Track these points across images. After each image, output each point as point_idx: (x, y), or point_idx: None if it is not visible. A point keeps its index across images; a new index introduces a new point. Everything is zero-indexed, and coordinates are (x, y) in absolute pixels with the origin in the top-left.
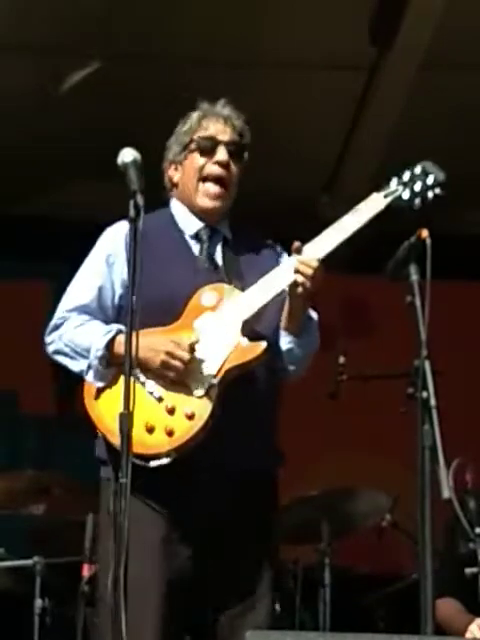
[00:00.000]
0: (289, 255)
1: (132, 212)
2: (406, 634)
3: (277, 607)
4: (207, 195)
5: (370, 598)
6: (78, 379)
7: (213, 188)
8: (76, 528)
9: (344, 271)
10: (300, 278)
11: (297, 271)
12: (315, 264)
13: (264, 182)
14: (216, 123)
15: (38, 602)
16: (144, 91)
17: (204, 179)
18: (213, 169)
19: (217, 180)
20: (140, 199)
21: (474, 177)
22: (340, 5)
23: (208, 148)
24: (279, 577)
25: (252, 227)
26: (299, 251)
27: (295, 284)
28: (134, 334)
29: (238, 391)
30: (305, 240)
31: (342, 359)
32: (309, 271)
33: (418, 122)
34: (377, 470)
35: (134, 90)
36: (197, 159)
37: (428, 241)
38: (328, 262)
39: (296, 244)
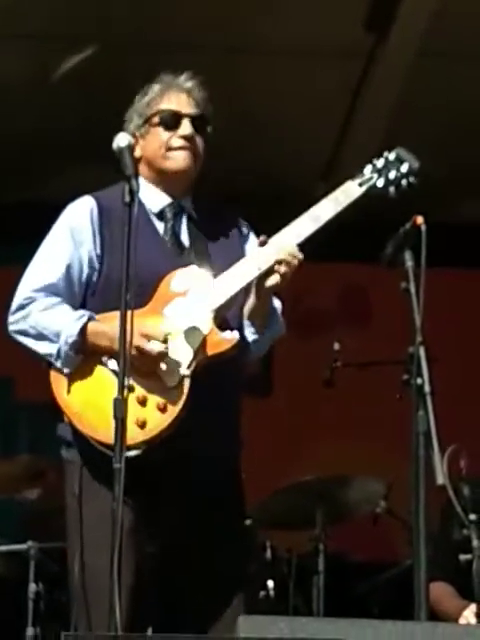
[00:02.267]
0: (257, 236)
1: (127, 197)
2: (400, 620)
3: (271, 593)
4: (176, 162)
5: (364, 584)
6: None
7: (180, 153)
8: None
9: (341, 259)
10: (282, 269)
11: (280, 263)
12: (301, 256)
13: (260, 170)
14: (179, 95)
15: (32, 587)
16: (139, 78)
17: (170, 149)
18: (178, 143)
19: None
20: (135, 184)
21: (470, 166)
22: None
23: (171, 122)
24: (272, 563)
25: (217, 204)
26: (263, 245)
27: (266, 275)
28: (125, 317)
29: (208, 376)
30: None
31: (337, 346)
32: (295, 262)
33: (414, 110)
34: (372, 457)
35: (129, 77)
36: (161, 133)
37: (423, 228)
38: (323, 249)
39: (261, 238)
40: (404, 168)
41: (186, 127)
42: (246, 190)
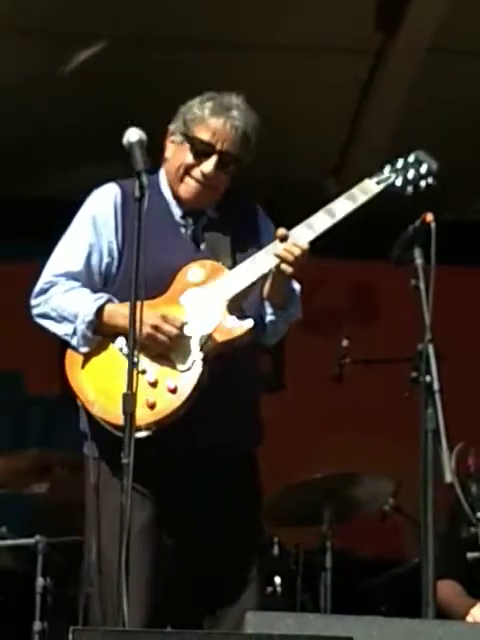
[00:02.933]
0: (275, 227)
1: (137, 192)
2: (407, 618)
3: (278, 589)
4: (188, 191)
5: (371, 582)
6: None
7: (194, 185)
8: (78, 507)
9: (349, 256)
10: (284, 266)
11: (279, 257)
12: (297, 252)
13: (271, 167)
14: (223, 126)
15: (40, 581)
16: (149, 75)
17: (188, 176)
18: (197, 175)
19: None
20: (145, 179)
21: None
22: None
23: (201, 152)
24: (280, 559)
25: (240, 198)
26: (284, 239)
27: (279, 266)
28: (134, 307)
29: (219, 367)
30: None
31: (346, 343)
32: (291, 258)
33: (424, 107)
34: (380, 454)
35: (139, 74)
36: (188, 156)
37: (433, 225)
38: (333, 247)
39: (281, 232)
40: (423, 169)
41: (210, 164)
42: (255, 186)
